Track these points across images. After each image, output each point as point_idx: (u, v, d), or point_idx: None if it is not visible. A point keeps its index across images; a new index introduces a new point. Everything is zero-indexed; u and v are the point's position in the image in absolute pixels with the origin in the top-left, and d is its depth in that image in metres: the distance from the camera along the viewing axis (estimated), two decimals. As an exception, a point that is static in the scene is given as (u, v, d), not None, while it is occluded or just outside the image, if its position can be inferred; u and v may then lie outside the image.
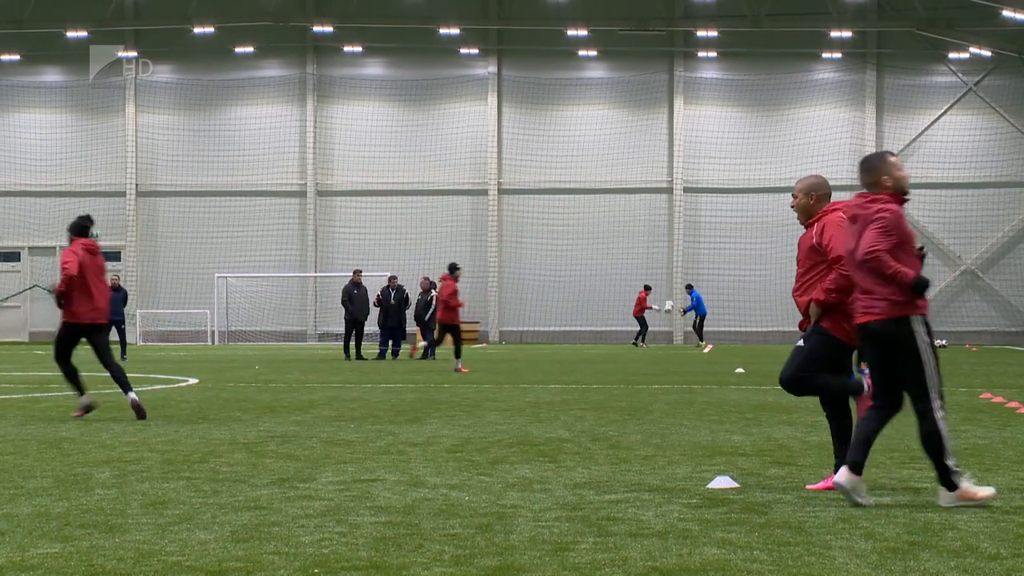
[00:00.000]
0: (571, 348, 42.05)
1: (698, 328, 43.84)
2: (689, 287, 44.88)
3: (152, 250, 49.93)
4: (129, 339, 47.12)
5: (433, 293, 32.96)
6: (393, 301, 32.88)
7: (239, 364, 29.43)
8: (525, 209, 49.12)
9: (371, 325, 33.73)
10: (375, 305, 33.04)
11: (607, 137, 48.89)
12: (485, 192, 49.02)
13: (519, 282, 48.74)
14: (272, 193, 49.57)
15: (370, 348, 35.01)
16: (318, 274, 49.22)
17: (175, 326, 49.42)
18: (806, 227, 9.04)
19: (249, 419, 14.41)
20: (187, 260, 49.47)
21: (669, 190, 48.74)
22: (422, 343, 31.60)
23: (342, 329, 34.54)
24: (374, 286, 34.29)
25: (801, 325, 9.09)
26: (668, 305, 43.97)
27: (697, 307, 43.79)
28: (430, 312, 32.57)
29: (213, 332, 48.21)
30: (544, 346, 44.31)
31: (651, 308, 43.53)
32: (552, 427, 13.39)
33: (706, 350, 38.42)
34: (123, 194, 49.78)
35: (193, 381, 22.14)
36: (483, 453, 10.98)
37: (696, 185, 48.74)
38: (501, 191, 49.10)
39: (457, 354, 26.02)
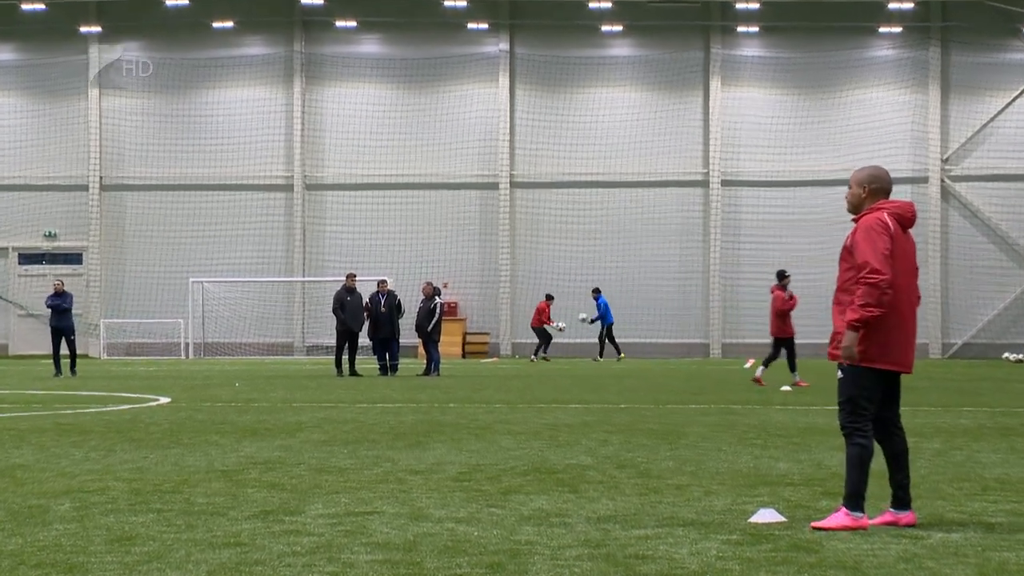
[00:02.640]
0: (594, 363, 41.97)
1: (603, 338, 43.90)
2: (596, 292, 44.71)
3: (118, 251, 50.01)
4: (91, 352, 47.41)
5: (437, 300, 32.87)
6: (384, 309, 32.50)
7: (216, 381, 29.46)
8: (541, 205, 49.13)
9: (365, 338, 33.65)
10: (364, 314, 32.71)
11: (634, 123, 48.87)
12: (496, 186, 49.04)
13: (534, 287, 48.71)
14: (255, 187, 49.66)
15: (365, 363, 35.01)
16: (306, 279, 49.27)
17: (144, 337, 49.49)
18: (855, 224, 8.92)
19: (228, 443, 14.42)
20: (158, 262, 49.54)
21: (705, 183, 48.72)
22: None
23: (333, 341, 34.52)
24: (370, 292, 34.24)
25: (830, 354, 8.76)
26: (582, 316, 44.01)
27: (604, 316, 43.83)
28: (433, 322, 32.45)
29: (187, 344, 48.29)
30: (563, 360, 44.28)
31: (552, 324, 43.69)
32: (572, 452, 13.38)
33: (747, 364, 38.33)
34: (85, 188, 49.89)
35: (164, 400, 22.16)
36: (494, 482, 10.97)
37: (735, 177, 48.70)
38: (514, 184, 49.12)
39: (766, 363, 26.46)
